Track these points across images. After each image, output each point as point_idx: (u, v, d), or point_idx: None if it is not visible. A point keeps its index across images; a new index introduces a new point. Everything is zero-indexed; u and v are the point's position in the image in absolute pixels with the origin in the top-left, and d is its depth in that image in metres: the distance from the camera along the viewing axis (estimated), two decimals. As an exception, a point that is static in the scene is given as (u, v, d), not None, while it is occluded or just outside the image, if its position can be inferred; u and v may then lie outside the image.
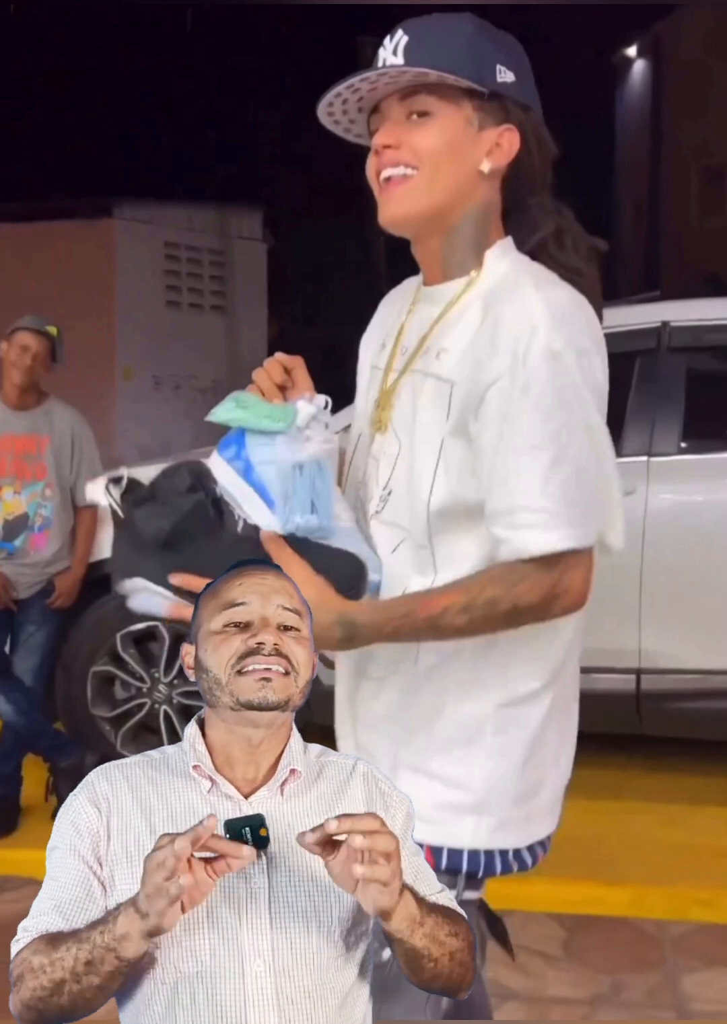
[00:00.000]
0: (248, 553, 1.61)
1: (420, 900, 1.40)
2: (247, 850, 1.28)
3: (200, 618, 1.48)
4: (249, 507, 1.71)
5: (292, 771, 1.46)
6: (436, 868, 1.71)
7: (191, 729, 1.50)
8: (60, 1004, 1.34)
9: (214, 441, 1.81)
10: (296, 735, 1.51)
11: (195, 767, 1.46)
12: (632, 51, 21.74)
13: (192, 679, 1.50)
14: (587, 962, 3.37)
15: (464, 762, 1.73)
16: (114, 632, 4.44)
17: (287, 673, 1.41)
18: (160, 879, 1.25)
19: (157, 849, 1.26)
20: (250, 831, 1.35)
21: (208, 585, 1.51)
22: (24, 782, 4.30)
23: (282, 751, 1.47)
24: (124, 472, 1.80)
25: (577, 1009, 3.14)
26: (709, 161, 19.03)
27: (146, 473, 1.87)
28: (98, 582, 4.25)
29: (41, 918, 1.40)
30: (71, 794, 1.48)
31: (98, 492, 4.17)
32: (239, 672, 1.41)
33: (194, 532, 1.68)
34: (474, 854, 1.74)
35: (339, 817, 1.28)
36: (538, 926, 3.52)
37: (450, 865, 1.73)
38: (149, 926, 1.27)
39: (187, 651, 1.49)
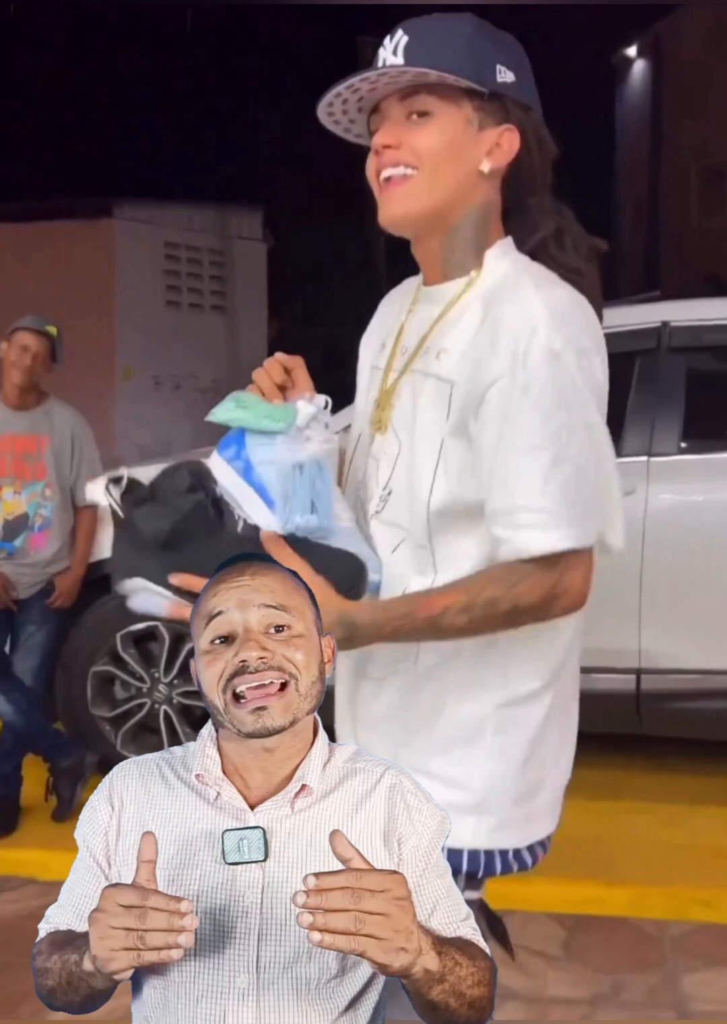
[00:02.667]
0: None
1: (445, 953, 1.28)
2: (185, 905, 1.20)
3: (193, 633, 1.42)
4: (249, 507, 1.71)
5: (303, 786, 1.39)
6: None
7: (206, 731, 1.44)
8: (66, 1000, 1.39)
9: (214, 441, 1.81)
10: (321, 741, 1.43)
11: (198, 776, 1.41)
12: (632, 51, 21.76)
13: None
14: (587, 962, 3.37)
15: (464, 762, 1.73)
16: (114, 632, 4.44)
17: (285, 686, 1.34)
18: (103, 935, 1.22)
19: (101, 907, 1.23)
20: (248, 843, 1.33)
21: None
22: (24, 782, 4.30)
23: (301, 760, 1.40)
24: (124, 472, 1.80)
25: (577, 1009, 3.14)
26: (709, 161, 19.04)
27: (146, 473, 1.87)
28: (98, 582, 4.25)
29: (59, 909, 1.45)
30: (95, 791, 1.48)
31: (98, 492, 4.17)
32: (235, 697, 1.34)
33: (194, 532, 1.68)
34: (474, 854, 1.74)
35: (316, 875, 1.17)
36: (538, 926, 3.52)
37: (450, 865, 1.73)
38: (102, 974, 1.25)
39: (195, 665, 1.44)
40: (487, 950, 1.43)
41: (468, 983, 1.32)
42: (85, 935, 1.28)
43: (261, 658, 1.34)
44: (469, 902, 1.78)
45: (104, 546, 4.33)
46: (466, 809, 1.73)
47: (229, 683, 1.34)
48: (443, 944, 1.30)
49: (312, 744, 1.42)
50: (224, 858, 1.35)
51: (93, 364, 9.55)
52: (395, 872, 1.23)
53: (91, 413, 4.66)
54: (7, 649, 4.25)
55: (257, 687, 1.34)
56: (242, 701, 1.34)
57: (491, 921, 1.97)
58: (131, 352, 10.78)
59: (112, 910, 1.22)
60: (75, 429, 4.33)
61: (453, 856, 1.73)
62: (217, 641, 1.37)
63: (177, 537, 1.68)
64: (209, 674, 1.36)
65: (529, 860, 1.80)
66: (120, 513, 1.76)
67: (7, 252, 10.44)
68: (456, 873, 1.73)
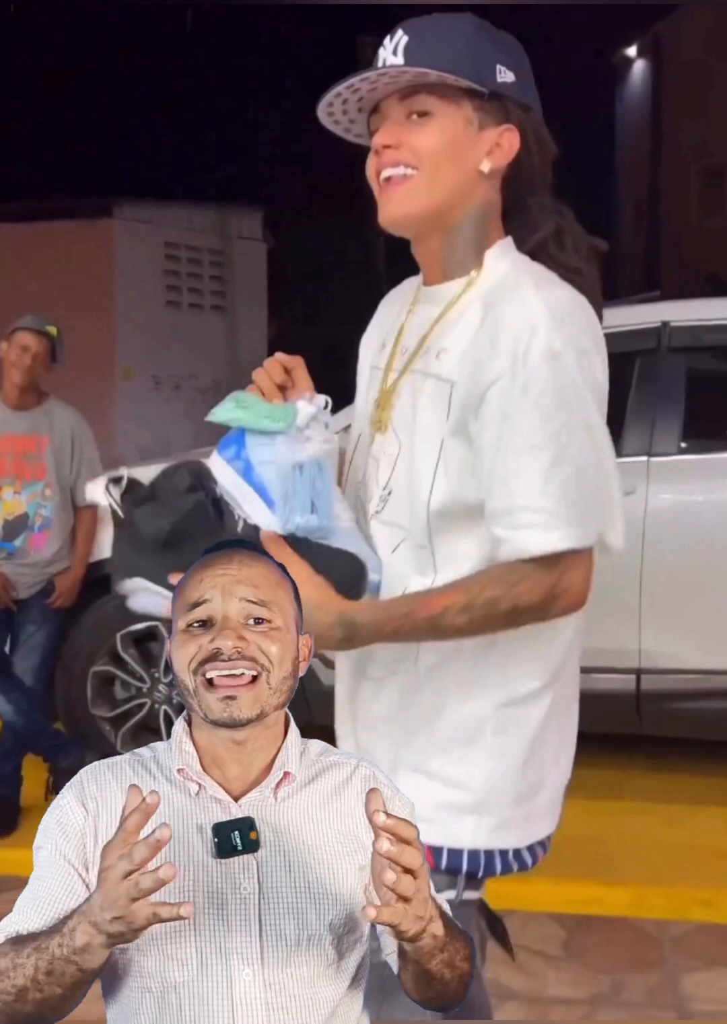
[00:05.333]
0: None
1: (447, 924, 1.34)
2: (161, 832, 1.19)
3: (173, 613, 1.42)
4: (249, 507, 1.71)
5: (285, 774, 1.42)
6: (436, 868, 1.71)
7: (178, 727, 1.45)
8: (26, 1010, 1.30)
9: (214, 441, 1.81)
10: (293, 733, 1.46)
11: (180, 770, 1.41)
12: (632, 51, 21.75)
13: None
14: (587, 962, 3.37)
15: (464, 762, 1.73)
16: (114, 632, 4.44)
17: (255, 678, 1.35)
18: (118, 880, 1.19)
19: (108, 861, 1.21)
20: (239, 834, 1.33)
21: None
22: (24, 782, 4.30)
23: (278, 751, 1.43)
24: (124, 472, 1.80)
25: (577, 1009, 3.14)
26: (709, 161, 19.03)
27: (146, 473, 1.87)
28: (98, 582, 4.25)
29: (17, 915, 1.37)
30: (61, 791, 1.45)
31: (98, 492, 4.17)
32: (207, 682, 1.35)
33: (194, 532, 1.68)
34: (474, 854, 1.74)
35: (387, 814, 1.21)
36: (538, 926, 3.52)
37: (450, 865, 1.73)
38: (113, 931, 1.21)
39: (169, 650, 1.44)
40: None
41: (460, 956, 1.38)
42: (64, 920, 1.27)
43: (236, 648, 1.35)
44: (469, 902, 1.79)
45: (104, 546, 4.33)
46: (466, 809, 1.73)
47: (202, 666, 1.35)
48: (445, 917, 1.34)
49: (285, 736, 1.44)
50: (216, 851, 1.35)
51: (93, 364, 9.54)
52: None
53: (91, 413, 4.66)
54: (7, 649, 4.25)
55: (228, 676, 1.35)
56: (213, 687, 1.35)
57: (491, 921, 1.97)
58: (131, 352, 10.77)
59: (113, 863, 1.20)
60: (75, 429, 4.33)
61: (453, 856, 1.73)
62: (195, 625, 1.38)
63: (177, 537, 1.68)
64: (182, 654, 1.37)
65: (529, 860, 1.80)
66: (120, 513, 1.76)
67: (7, 252, 10.43)
68: (456, 873, 1.74)
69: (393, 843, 1.19)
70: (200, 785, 1.41)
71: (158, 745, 1.49)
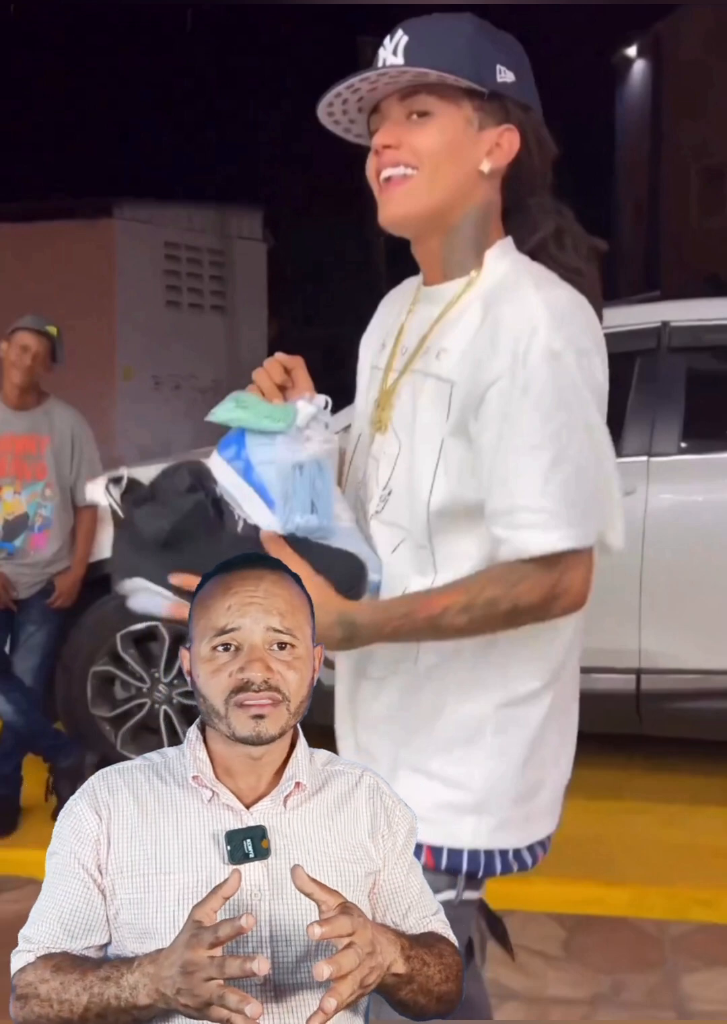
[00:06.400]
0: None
1: (411, 955, 1.37)
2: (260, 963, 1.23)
3: (192, 631, 1.44)
4: (249, 507, 1.71)
5: (297, 784, 1.44)
6: (436, 868, 1.71)
7: (192, 734, 1.47)
8: None
9: (214, 441, 1.81)
10: (302, 743, 1.48)
11: (195, 777, 1.43)
12: (632, 51, 21.76)
13: (190, 686, 1.47)
14: (587, 962, 3.37)
15: (464, 762, 1.73)
16: (114, 632, 4.44)
17: (278, 702, 1.38)
18: (202, 982, 1.23)
19: (195, 955, 1.24)
20: (251, 842, 1.36)
21: (203, 582, 1.47)
22: (24, 782, 4.30)
23: (287, 760, 1.45)
24: (124, 472, 1.80)
25: (577, 1009, 3.14)
26: (709, 161, 19.04)
27: (146, 473, 1.87)
28: (98, 582, 4.25)
29: (42, 928, 1.39)
30: (71, 799, 1.46)
31: (98, 492, 4.17)
32: (236, 704, 1.38)
33: (194, 532, 1.68)
34: (474, 854, 1.74)
35: (321, 923, 1.25)
36: (538, 926, 3.52)
37: (450, 865, 1.73)
38: (179, 1007, 1.25)
39: (185, 657, 1.46)
40: (454, 941, 1.50)
41: (436, 981, 1.41)
42: (114, 962, 1.32)
43: (265, 680, 1.37)
44: (469, 902, 1.79)
45: (104, 546, 4.32)
46: (466, 809, 1.73)
47: (233, 695, 1.38)
48: (412, 946, 1.38)
49: (294, 745, 1.46)
50: (228, 859, 1.37)
51: (93, 364, 9.54)
52: (345, 901, 1.29)
53: (91, 413, 4.65)
54: (7, 649, 4.25)
55: (257, 705, 1.38)
56: (242, 707, 1.38)
57: (491, 921, 1.97)
58: (131, 352, 10.77)
59: (203, 965, 1.23)
60: (75, 429, 4.33)
61: (453, 856, 1.73)
62: (220, 648, 1.40)
63: (177, 537, 1.68)
64: (213, 683, 1.39)
65: (529, 860, 1.80)
66: (120, 513, 1.76)
67: (7, 252, 10.43)
68: (456, 873, 1.74)
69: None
70: (214, 792, 1.42)
71: (168, 751, 1.51)
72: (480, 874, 1.76)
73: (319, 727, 1.99)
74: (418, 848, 1.70)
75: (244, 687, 1.37)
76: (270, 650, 1.39)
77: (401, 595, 1.71)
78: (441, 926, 1.50)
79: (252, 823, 1.40)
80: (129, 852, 1.40)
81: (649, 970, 3.33)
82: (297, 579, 1.47)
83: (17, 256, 10.35)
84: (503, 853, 1.76)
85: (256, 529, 1.70)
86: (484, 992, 2.06)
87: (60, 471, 4.28)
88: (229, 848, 1.37)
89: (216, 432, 1.78)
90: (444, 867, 1.73)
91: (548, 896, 3.62)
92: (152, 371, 11.02)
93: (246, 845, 1.36)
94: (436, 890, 1.71)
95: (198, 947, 1.24)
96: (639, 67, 21.66)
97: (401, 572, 1.73)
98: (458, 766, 1.73)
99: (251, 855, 1.36)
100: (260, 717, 1.37)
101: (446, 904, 1.73)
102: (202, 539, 1.68)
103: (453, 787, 1.73)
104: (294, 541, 1.69)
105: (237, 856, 1.37)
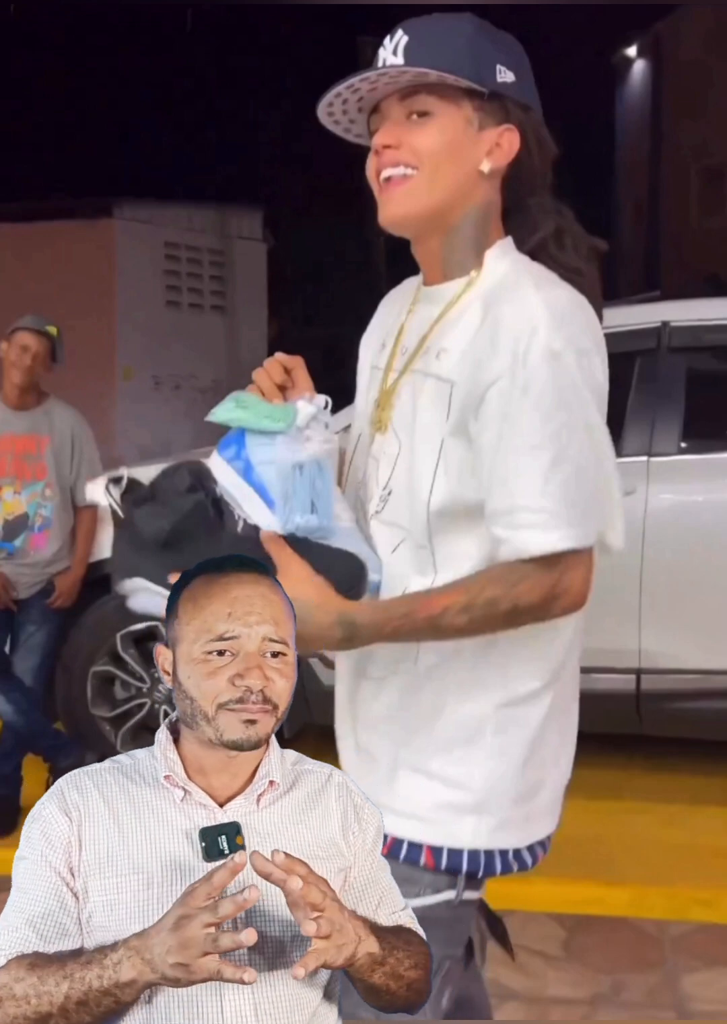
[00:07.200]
0: (248, 553, 1.61)
1: (383, 938, 1.39)
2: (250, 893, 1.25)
3: (180, 630, 1.43)
4: (249, 507, 1.71)
5: (270, 782, 1.45)
6: (436, 868, 1.71)
7: (162, 735, 1.47)
8: None
9: (214, 441, 1.81)
10: (274, 743, 1.49)
11: (167, 777, 1.43)
12: (632, 51, 21.76)
13: (167, 685, 1.47)
14: (587, 962, 3.37)
15: (464, 762, 1.73)
16: (114, 632, 4.44)
17: (268, 711, 1.40)
18: (198, 929, 1.23)
19: (189, 908, 1.25)
20: (225, 838, 1.36)
21: (190, 578, 1.45)
22: (24, 782, 4.29)
23: (261, 760, 1.46)
24: (124, 472, 1.80)
25: (577, 1009, 3.15)
26: (709, 161, 19.04)
27: (146, 473, 1.87)
28: (98, 582, 4.25)
29: (13, 934, 1.36)
30: (39, 803, 1.44)
31: (98, 492, 4.17)
32: (228, 709, 1.38)
33: (194, 532, 1.68)
34: (474, 854, 1.74)
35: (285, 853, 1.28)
36: (538, 926, 3.52)
37: (450, 865, 1.73)
38: (170, 975, 1.25)
39: (163, 655, 1.45)
40: (422, 934, 1.52)
41: (406, 966, 1.43)
42: (96, 951, 1.31)
43: (262, 689, 1.38)
44: (469, 902, 1.79)
45: (104, 546, 4.33)
46: (466, 809, 1.73)
47: (227, 701, 1.38)
48: (381, 931, 1.41)
49: (267, 745, 1.47)
50: (204, 855, 1.37)
51: (93, 364, 9.54)
52: (309, 870, 1.30)
53: (91, 413, 4.66)
54: (7, 649, 4.25)
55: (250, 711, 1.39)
56: (233, 711, 1.38)
57: (491, 921, 1.97)
58: (131, 352, 10.77)
59: (196, 912, 1.24)
60: (75, 429, 4.33)
61: (453, 856, 1.73)
62: (214, 654, 1.40)
63: (177, 537, 1.68)
64: (206, 686, 1.39)
65: (529, 860, 1.80)
66: (120, 513, 1.76)
67: (7, 252, 10.43)
68: (456, 873, 1.74)
69: (303, 880, 1.26)
70: (186, 791, 1.43)
71: (137, 753, 1.50)
72: (480, 874, 1.75)
73: (319, 727, 2.00)
74: (419, 848, 1.71)
75: (242, 695, 1.38)
76: (264, 656, 1.40)
77: (401, 595, 1.71)
78: (410, 921, 1.52)
79: (225, 820, 1.40)
80: (101, 852, 1.39)
81: (649, 970, 3.33)
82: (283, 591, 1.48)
83: (17, 256, 10.35)
84: (503, 853, 1.76)
85: (256, 529, 1.70)
86: (484, 992, 2.06)
87: (60, 471, 4.28)
88: (204, 845, 1.37)
89: (216, 432, 1.78)
90: (444, 867, 1.72)
91: (548, 896, 3.62)
92: (152, 371, 11.02)
93: (221, 841, 1.36)
94: (436, 890, 1.71)
95: (193, 925, 1.24)
96: (639, 67, 21.66)
97: (401, 572, 1.73)
98: (458, 766, 1.73)
99: (226, 851, 1.36)
100: (252, 722, 1.38)
101: (446, 904, 1.74)
102: (202, 539, 1.68)
103: (453, 787, 1.73)
104: (294, 541, 1.69)
105: (212, 853, 1.36)
